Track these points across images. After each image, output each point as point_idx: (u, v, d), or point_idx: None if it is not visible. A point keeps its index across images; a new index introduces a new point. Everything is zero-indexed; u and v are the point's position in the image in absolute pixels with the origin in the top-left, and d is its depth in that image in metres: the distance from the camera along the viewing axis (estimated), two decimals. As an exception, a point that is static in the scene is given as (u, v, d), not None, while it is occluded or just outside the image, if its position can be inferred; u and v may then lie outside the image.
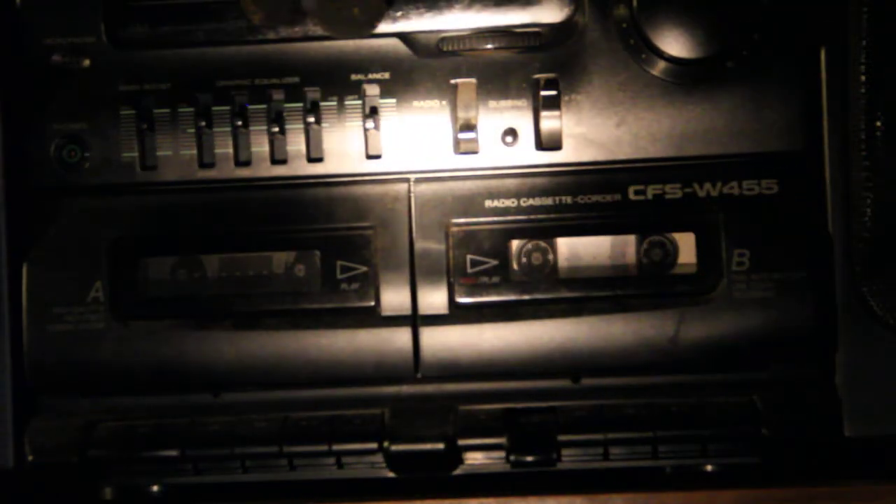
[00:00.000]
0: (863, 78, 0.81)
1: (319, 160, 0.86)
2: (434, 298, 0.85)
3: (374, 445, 0.83)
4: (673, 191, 0.85)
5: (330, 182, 0.86)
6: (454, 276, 0.85)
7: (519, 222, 0.85)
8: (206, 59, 0.86)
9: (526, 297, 0.85)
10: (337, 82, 0.86)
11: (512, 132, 0.85)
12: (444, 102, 0.85)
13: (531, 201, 0.85)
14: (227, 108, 0.86)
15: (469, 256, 0.85)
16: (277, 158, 0.86)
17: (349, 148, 0.86)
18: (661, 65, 0.84)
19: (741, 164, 0.84)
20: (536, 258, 0.85)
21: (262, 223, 0.86)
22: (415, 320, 0.85)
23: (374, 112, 0.85)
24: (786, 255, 0.84)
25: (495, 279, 0.85)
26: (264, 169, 0.86)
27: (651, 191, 0.85)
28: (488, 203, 0.86)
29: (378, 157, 0.86)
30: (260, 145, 0.86)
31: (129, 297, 0.86)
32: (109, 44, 0.86)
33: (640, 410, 0.83)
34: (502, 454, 0.84)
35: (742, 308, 0.84)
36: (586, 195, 0.85)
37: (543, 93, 0.84)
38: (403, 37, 0.85)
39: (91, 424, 0.85)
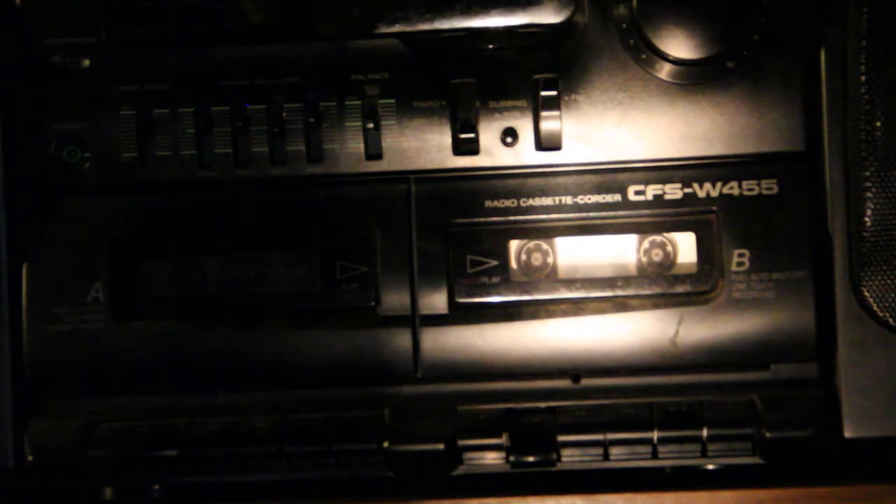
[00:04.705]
0: (863, 78, 0.81)
1: (319, 160, 0.86)
2: (434, 298, 0.85)
3: (374, 445, 0.83)
4: (673, 191, 0.85)
5: (330, 182, 0.86)
6: (454, 276, 0.85)
7: (519, 222, 0.85)
8: (206, 59, 0.86)
9: (526, 297, 0.85)
10: (337, 82, 0.86)
11: (512, 132, 0.85)
12: (444, 102, 0.85)
13: (531, 201, 0.85)
14: (227, 108, 0.86)
15: (469, 256, 0.85)
16: (277, 158, 0.86)
17: (349, 148, 0.86)
18: (661, 65, 0.84)
19: (741, 165, 0.84)
20: (536, 258, 0.85)
21: (262, 223, 0.86)
22: (415, 320, 0.85)
23: (374, 112, 0.85)
24: (786, 255, 0.84)
25: (495, 279, 0.85)
26: (264, 169, 0.86)
27: (651, 191, 0.85)
28: (488, 203, 0.86)
29: (378, 157, 0.86)
30: (260, 145, 0.86)
31: (129, 297, 0.86)
32: (109, 44, 0.86)
33: (640, 410, 0.83)
34: (502, 454, 0.84)
35: (742, 308, 0.84)
36: (586, 195, 0.85)
37: (543, 93, 0.84)
38: (403, 37, 0.85)
39: (91, 424, 0.85)
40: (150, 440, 0.85)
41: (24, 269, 0.86)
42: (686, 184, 0.85)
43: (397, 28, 0.85)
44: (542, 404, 0.85)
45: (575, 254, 0.86)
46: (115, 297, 0.86)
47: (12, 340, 0.86)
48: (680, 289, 0.84)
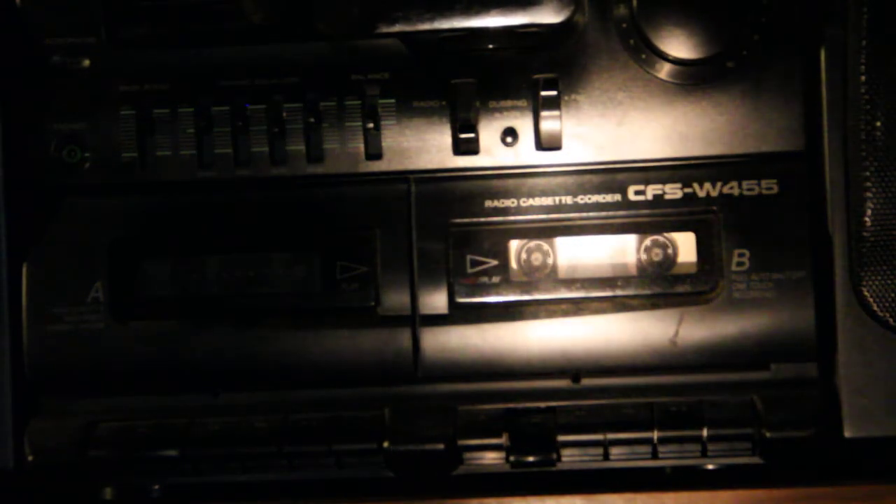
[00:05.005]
0: (863, 78, 0.81)
1: (319, 160, 0.86)
2: (434, 298, 0.85)
3: (374, 445, 0.83)
4: (673, 191, 0.85)
5: (330, 182, 0.86)
6: (454, 276, 0.85)
7: (519, 222, 0.85)
8: (206, 59, 0.86)
9: (526, 297, 0.85)
10: (337, 82, 0.86)
11: (512, 132, 0.85)
12: (444, 102, 0.85)
13: (531, 201, 0.85)
14: (227, 108, 0.86)
15: (469, 256, 0.85)
16: (277, 158, 0.86)
17: (349, 148, 0.86)
18: (661, 65, 0.84)
19: (741, 164, 0.84)
20: (536, 258, 0.85)
21: (262, 223, 0.86)
22: (415, 320, 0.85)
23: (374, 112, 0.85)
24: (786, 255, 0.84)
25: (495, 279, 0.85)
26: (264, 169, 0.86)
27: (651, 191, 0.85)
28: (488, 203, 0.86)
29: (378, 157, 0.86)
30: (260, 145, 0.86)
31: (129, 297, 0.86)
32: (109, 44, 0.86)
33: (640, 410, 0.83)
34: (502, 454, 0.84)
35: (742, 308, 0.84)
36: (586, 195, 0.85)
37: (543, 93, 0.84)
38: (403, 37, 0.85)
39: (91, 424, 0.85)
40: (150, 440, 0.85)
41: (24, 269, 0.86)
42: (686, 184, 0.85)
43: (397, 28, 0.85)
44: (542, 404, 0.85)
45: (575, 254, 0.86)
46: (115, 297, 0.86)
47: (12, 340, 0.86)
48: (680, 289, 0.84)
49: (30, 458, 0.86)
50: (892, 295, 0.81)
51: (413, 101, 0.86)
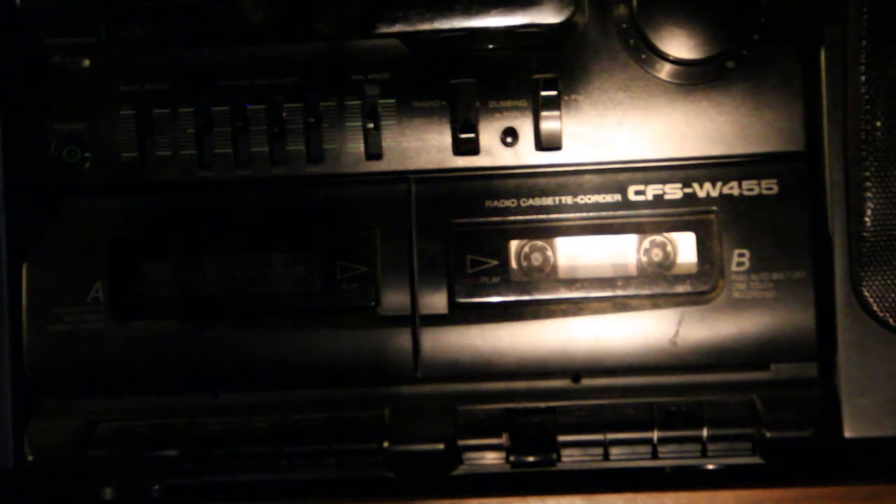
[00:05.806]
0: (863, 78, 0.81)
1: (319, 160, 0.86)
2: (434, 298, 0.85)
3: (373, 445, 0.83)
4: (673, 191, 0.85)
5: (330, 182, 0.86)
6: (454, 276, 0.85)
7: (519, 222, 0.85)
8: (206, 59, 0.86)
9: (526, 297, 0.85)
10: (337, 82, 0.86)
11: (512, 132, 0.85)
12: (444, 102, 0.85)
13: (531, 201, 0.85)
14: (227, 108, 0.86)
15: (469, 256, 0.85)
16: (277, 158, 0.86)
17: (349, 148, 0.86)
18: (661, 65, 0.84)
19: (741, 165, 0.84)
20: (536, 258, 0.85)
21: (262, 223, 0.86)
22: (415, 320, 0.85)
23: (374, 112, 0.85)
24: (786, 255, 0.84)
25: (495, 279, 0.85)
26: (264, 169, 0.86)
27: (651, 191, 0.85)
28: (488, 203, 0.86)
29: (378, 157, 0.86)
30: (260, 145, 0.86)
31: (129, 297, 0.86)
32: (109, 44, 0.86)
33: (640, 410, 0.83)
34: (502, 454, 0.84)
35: (742, 308, 0.84)
36: (586, 195, 0.85)
37: (543, 93, 0.84)
38: (403, 37, 0.85)
39: (91, 424, 0.86)
40: (150, 440, 0.85)
41: (24, 269, 0.86)
42: (686, 184, 0.85)
43: (397, 28, 0.85)
44: (542, 404, 0.85)
45: (575, 254, 0.86)
46: (115, 297, 0.86)
47: (12, 340, 0.86)
48: (680, 289, 0.84)
49: (30, 458, 0.86)
50: (892, 295, 0.81)
51: (413, 101, 0.86)
